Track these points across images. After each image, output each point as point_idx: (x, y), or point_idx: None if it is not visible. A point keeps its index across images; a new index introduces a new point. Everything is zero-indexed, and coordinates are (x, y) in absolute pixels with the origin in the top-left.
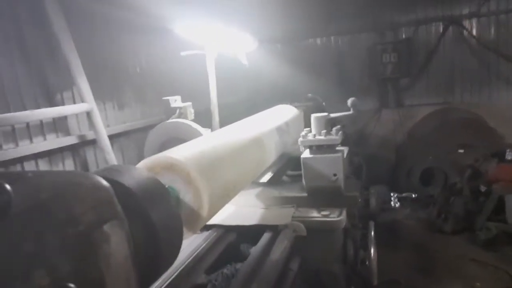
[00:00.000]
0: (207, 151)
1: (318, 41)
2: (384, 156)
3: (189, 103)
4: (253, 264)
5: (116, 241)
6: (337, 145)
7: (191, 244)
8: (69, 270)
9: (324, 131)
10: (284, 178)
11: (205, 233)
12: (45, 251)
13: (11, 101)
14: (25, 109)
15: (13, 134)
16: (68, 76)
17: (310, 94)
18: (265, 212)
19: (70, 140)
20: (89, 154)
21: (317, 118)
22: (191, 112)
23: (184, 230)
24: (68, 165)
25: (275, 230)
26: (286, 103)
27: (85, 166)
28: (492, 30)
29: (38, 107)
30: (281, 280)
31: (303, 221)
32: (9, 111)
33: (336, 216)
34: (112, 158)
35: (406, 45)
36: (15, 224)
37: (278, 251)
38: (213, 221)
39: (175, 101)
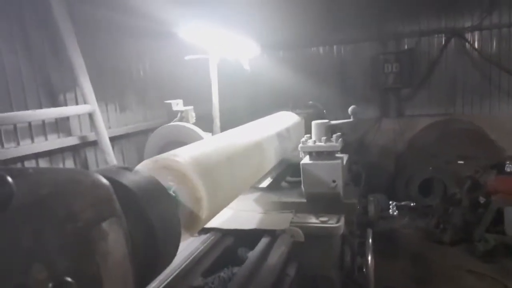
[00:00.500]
0: (207, 154)
1: (321, 49)
2: (384, 165)
3: (191, 107)
4: (250, 268)
5: (114, 239)
6: (337, 152)
7: (189, 246)
8: (66, 266)
9: (324, 137)
10: (284, 184)
11: (203, 236)
12: (43, 246)
13: (14, 100)
14: (27, 108)
15: (14, 133)
16: (72, 77)
17: (311, 102)
18: (264, 217)
19: (72, 140)
20: (90, 155)
21: (318, 125)
22: (192, 115)
23: (183, 231)
24: (69, 165)
25: (273, 235)
26: (288, 110)
27: (85, 167)
28: (494, 43)
29: (41, 107)
30: (277, 285)
31: (301, 226)
32: (11, 110)
33: (334, 223)
34: (113, 159)
35: (408, 55)
36: (14, 217)
37: (276, 256)
38: (211, 224)
39: (177, 105)
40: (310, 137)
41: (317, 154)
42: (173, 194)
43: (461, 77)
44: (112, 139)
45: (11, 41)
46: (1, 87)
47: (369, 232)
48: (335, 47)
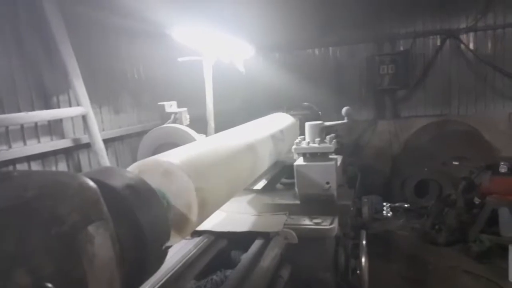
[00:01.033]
0: (199, 155)
1: (317, 51)
2: (379, 167)
3: (185, 109)
4: (243, 271)
5: (101, 243)
6: (330, 153)
7: (181, 249)
8: (51, 271)
9: (318, 139)
10: (279, 186)
11: (196, 239)
12: (27, 250)
13: (6, 102)
14: (20, 110)
15: (6, 135)
16: (65, 79)
17: (306, 103)
18: (257, 219)
19: (65, 143)
20: (83, 158)
21: (311, 126)
22: (186, 117)
23: (174, 234)
24: (61, 168)
25: (267, 237)
26: (282, 112)
27: (78, 170)
28: (489, 44)
29: (33, 109)
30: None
31: (294, 228)
32: (3, 112)
33: (328, 224)
34: (106, 162)
35: (403, 57)
36: None
37: (269, 258)
38: (204, 227)
39: (171, 106)
40: (304, 139)
41: (311, 156)
42: (163, 197)
43: (456, 78)
44: (106, 141)
45: (3, 42)
46: None
47: (363, 233)
48: (330, 48)
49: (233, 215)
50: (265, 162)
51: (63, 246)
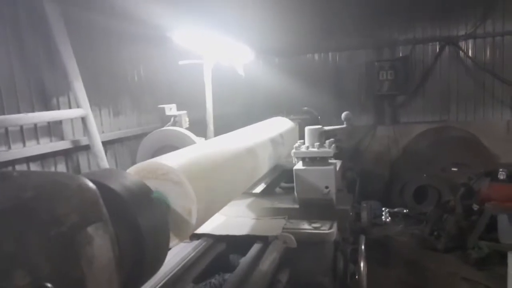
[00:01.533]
0: (198, 159)
1: (316, 56)
2: (378, 172)
3: (184, 112)
4: (242, 274)
5: (100, 244)
6: (330, 157)
7: (180, 252)
8: (50, 271)
9: (318, 143)
10: (278, 190)
11: (195, 242)
12: (26, 251)
13: (6, 103)
14: (19, 112)
15: (6, 136)
16: (65, 81)
17: (306, 108)
18: (256, 223)
19: (64, 144)
20: (82, 160)
21: (311, 131)
22: (186, 120)
23: (173, 237)
24: (61, 169)
25: (265, 241)
26: (282, 116)
27: (77, 172)
28: (488, 52)
29: (33, 111)
30: None
31: (293, 232)
32: (3, 114)
33: (327, 229)
34: (105, 164)
35: (403, 63)
36: None
37: (268, 262)
38: (203, 230)
39: (171, 109)
40: (304, 143)
41: (310, 160)
42: (163, 199)
43: (455, 84)
44: (105, 144)
45: (4, 43)
46: None
47: (362, 238)
48: (330, 54)
49: (232, 219)
50: (264, 165)
51: (62, 247)
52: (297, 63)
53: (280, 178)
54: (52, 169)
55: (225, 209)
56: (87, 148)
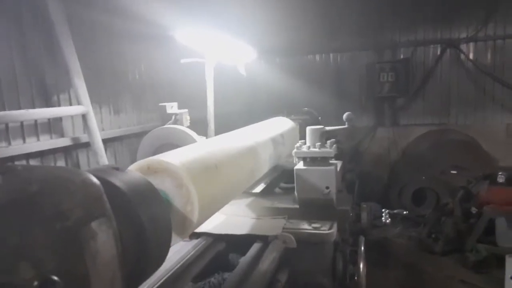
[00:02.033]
0: (200, 157)
1: (318, 57)
2: (377, 174)
3: (185, 110)
4: (241, 274)
5: (103, 240)
6: (331, 158)
7: (180, 251)
8: (54, 265)
9: (319, 143)
10: (277, 190)
11: (194, 241)
12: (30, 245)
13: (7, 99)
14: (20, 108)
15: (6, 132)
16: (66, 78)
17: (306, 108)
18: (256, 222)
19: (64, 141)
20: (82, 157)
21: (312, 131)
22: (187, 119)
23: (174, 235)
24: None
25: (265, 240)
26: (283, 116)
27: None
28: (489, 55)
29: (34, 107)
30: None
31: (293, 232)
32: (4, 109)
33: (326, 229)
34: (105, 161)
35: (404, 65)
36: (1, 214)
37: (267, 262)
38: (203, 229)
39: (172, 108)
40: (305, 143)
41: (311, 160)
42: (164, 197)
43: (455, 87)
44: (105, 141)
45: (6, 40)
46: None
47: (362, 239)
48: (331, 55)
49: (231, 218)
50: (265, 165)
51: (66, 241)
52: (298, 63)
53: (280, 178)
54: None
55: (225, 208)
56: (86, 145)
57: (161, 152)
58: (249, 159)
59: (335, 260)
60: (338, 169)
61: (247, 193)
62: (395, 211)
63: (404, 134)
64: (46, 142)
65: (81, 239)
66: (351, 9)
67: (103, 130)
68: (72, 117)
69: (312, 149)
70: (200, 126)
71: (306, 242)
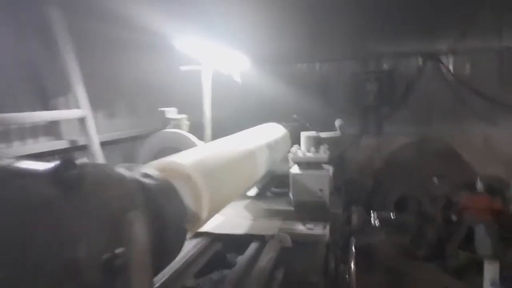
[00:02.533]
0: (208, 159)
1: (305, 66)
2: (361, 181)
3: (184, 116)
4: (240, 271)
5: (138, 227)
6: (324, 162)
7: (182, 249)
8: (103, 246)
9: (313, 149)
10: (268, 194)
11: (194, 240)
12: (85, 228)
13: (6, 102)
14: (20, 111)
15: (5, 134)
16: (65, 82)
17: (295, 115)
18: (253, 223)
19: (62, 144)
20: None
21: (307, 137)
22: (186, 124)
23: None
24: None
25: (262, 240)
26: (273, 122)
27: None
28: (467, 66)
29: (33, 110)
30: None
31: (289, 233)
32: (3, 112)
33: (320, 230)
34: None
35: (387, 75)
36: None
37: (265, 260)
38: (203, 229)
39: (170, 113)
40: (299, 148)
41: (306, 164)
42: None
43: (436, 97)
44: (101, 145)
45: (8, 45)
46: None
47: (352, 240)
48: (318, 64)
49: (230, 219)
50: (262, 168)
51: (111, 227)
52: (287, 72)
53: (271, 183)
54: None
55: (224, 210)
56: (84, 148)
57: (163, 155)
58: (249, 162)
59: (328, 260)
60: (331, 173)
61: (244, 196)
62: (383, 214)
63: (387, 143)
64: (44, 144)
65: (123, 225)
66: (337, 20)
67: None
68: (69, 120)
69: (307, 154)
70: (194, 130)
71: (300, 242)
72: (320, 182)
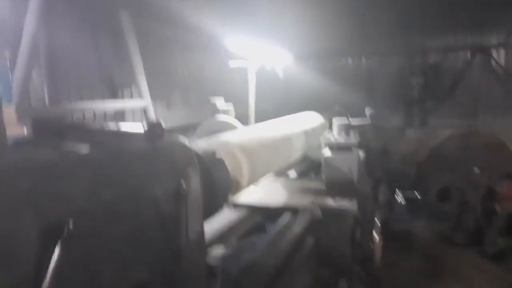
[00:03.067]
0: (248, 139)
1: (350, 60)
2: (405, 173)
3: (231, 105)
4: (275, 235)
5: (194, 181)
6: (354, 146)
7: (227, 217)
8: (174, 188)
9: (344, 134)
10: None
11: (238, 211)
12: (166, 169)
13: (84, 93)
14: (94, 100)
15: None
16: (131, 77)
17: (337, 106)
18: (289, 198)
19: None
20: None
21: (339, 123)
22: (232, 112)
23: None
24: None
25: (296, 212)
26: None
27: None
28: None
29: (104, 100)
30: (299, 248)
31: (320, 206)
32: (82, 100)
33: (348, 205)
34: None
35: (434, 69)
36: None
37: (297, 228)
38: (245, 201)
39: (219, 103)
40: (332, 133)
41: (337, 148)
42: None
43: (485, 92)
44: None
45: (85, 44)
46: (76, 81)
47: (377, 213)
48: (363, 58)
49: (270, 194)
50: (298, 150)
51: (177, 172)
52: (332, 65)
53: (311, 168)
54: None
55: (264, 187)
56: None
57: None
58: (285, 144)
59: (355, 231)
60: (361, 157)
61: (284, 176)
62: (409, 192)
63: (432, 135)
64: None
65: (184, 173)
66: (382, 15)
67: None
68: (132, 110)
69: (338, 138)
70: (240, 121)
71: (330, 215)
72: (349, 164)
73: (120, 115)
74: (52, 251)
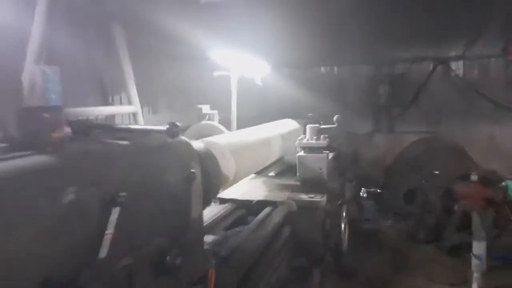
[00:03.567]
0: (234, 141)
1: (322, 69)
2: (373, 176)
3: (216, 111)
4: (255, 226)
5: (196, 172)
6: (323, 148)
7: (213, 211)
8: (180, 176)
9: (315, 137)
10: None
11: (223, 205)
12: (170, 170)
13: (76, 99)
14: (86, 106)
15: None
16: (122, 84)
17: (310, 114)
18: (268, 193)
19: None
20: None
21: (310, 127)
22: (217, 118)
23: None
24: None
25: (274, 205)
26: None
27: None
28: (476, 72)
29: (96, 106)
30: (276, 238)
31: (295, 200)
32: (74, 107)
33: (319, 199)
34: None
35: (400, 78)
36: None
37: (276, 219)
38: (229, 196)
39: (205, 109)
40: (305, 137)
41: (309, 149)
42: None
43: (445, 100)
44: None
45: (79, 53)
46: (71, 88)
47: (344, 207)
48: (335, 67)
49: (252, 190)
50: (276, 152)
51: (182, 169)
52: (305, 75)
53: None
54: None
55: (246, 184)
56: None
57: None
58: (265, 146)
59: (325, 222)
60: (330, 157)
61: (263, 174)
62: (371, 189)
63: (398, 140)
64: None
65: (189, 167)
66: (353, 28)
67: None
68: (122, 115)
69: (310, 141)
70: (223, 126)
71: (304, 207)
72: (320, 163)
73: (110, 121)
74: (109, 215)
